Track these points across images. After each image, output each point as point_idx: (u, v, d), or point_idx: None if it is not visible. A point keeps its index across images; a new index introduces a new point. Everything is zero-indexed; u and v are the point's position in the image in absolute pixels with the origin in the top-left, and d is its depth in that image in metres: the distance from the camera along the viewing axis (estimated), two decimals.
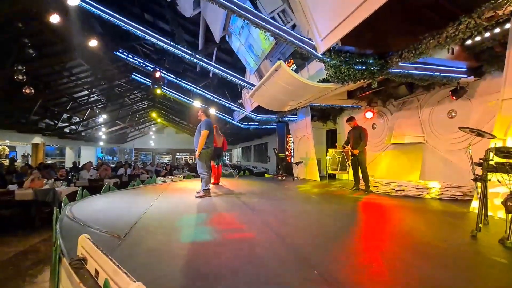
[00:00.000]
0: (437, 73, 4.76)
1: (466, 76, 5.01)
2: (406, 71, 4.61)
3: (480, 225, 2.76)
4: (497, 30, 3.91)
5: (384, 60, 4.35)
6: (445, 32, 3.37)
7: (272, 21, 4.06)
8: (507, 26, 3.77)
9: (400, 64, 4.34)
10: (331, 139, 9.95)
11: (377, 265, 2.05)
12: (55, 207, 3.50)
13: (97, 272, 1.77)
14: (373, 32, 4.13)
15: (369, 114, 7.56)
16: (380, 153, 7.45)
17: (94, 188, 6.40)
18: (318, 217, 3.70)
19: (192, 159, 28.82)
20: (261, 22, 3.97)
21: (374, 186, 5.82)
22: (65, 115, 14.39)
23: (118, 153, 27.55)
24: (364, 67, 4.32)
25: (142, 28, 5.84)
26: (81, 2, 5.43)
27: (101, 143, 22.28)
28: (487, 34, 4.05)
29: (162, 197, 5.07)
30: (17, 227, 5.52)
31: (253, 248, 2.35)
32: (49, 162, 17.69)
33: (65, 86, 12.09)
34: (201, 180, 5.20)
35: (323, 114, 9.64)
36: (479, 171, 3.05)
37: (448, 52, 4.72)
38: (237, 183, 7.43)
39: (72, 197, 4.94)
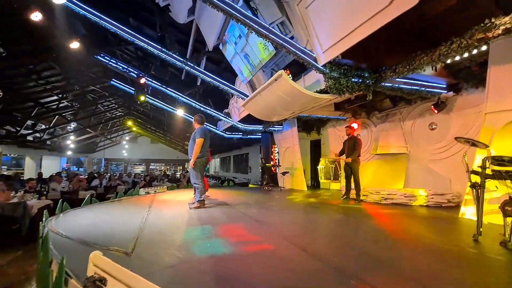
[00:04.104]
0: (422, 88, 5.11)
1: (446, 91, 5.44)
2: (397, 85, 4.90)
3: (481, 229, 2.93)
4: (475, 51, 4.34)
5: (379, 74, 4.58)
6: (439, 50, 3.66)
7: (275, 31, 4.11)
8: (484, 48, 4.19)
9: (392, 78, 4.61)
10: (315, 150, 10.17)
11: (407, 271, 2.07)
12: (40, 222, 3.10)
13: None
14: (366, 48, 4.36)
15: (354, 125, 7.86)
16: (365, 163, 7.73)
17: (68, 201, 5.83)
18: (327, 227, 3.70)
19: (168, 170, 27.76)
20: (265, 31, 4.00)
21: (364, 195, 5.99)
22: (29, 122, 13.18)
23: (86, 164, 25.66)
24: (360, 80, 4.51)
25: (133, 32, 5.60)
26: (67, 2, 5.09)
27: (69, 153, 20.65)
28: (466, 55, 4.47)
29: (153, 209, 4.75)
30: None
31: (279, 260, 2.26)
32: (4, 173, 15.93)
33: (32, 90, 11.13)
34: (195, 191, 4.98)
35: (307, 125, 9.85)
36: (474, 178, 3.26)
37: (432, 69, 5.17)
38: (226, 194, 7.24)
39: (47, 211, 4.43)
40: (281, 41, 4.08)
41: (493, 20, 3.05)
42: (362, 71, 4.58)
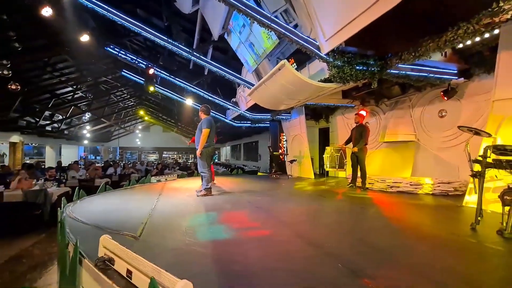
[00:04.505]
0: (431, 75, 4.98)
1: (456, 77, 5.27)
2: (404, 72, 4.79)
3: (479, 218, 2.95)
4: (486, 35, 4.17)
5: (384, 61, 4.50)
6: (445, 36, 3.55)
7: (277, 20, 4.10)
8: (496, 31, 4.02)
9: (398, 65, 4.52)
10: (324, 138, 10.15)
11: (400, 258, 2.15)
12: (58, 209, 3.37)
13: (129, 271, 1.75)
14: (373, 35, 4.27)
15: (362, 113, 7.76)
16: (373, 151, 7.69)
17: (85, 188, 6.19)
18: (326, 214, 3.80)
19: (180, 158, 28.41)
20: (267, 21, 3.99)
21: (369, 183, 6.01)
22: (47, 113, 13.75)
23: (102, 152, 26.62)
24: (365, 68, 4.45)
25: (139, 24, 5.69)
26: None
27: (85, 142, 21.47)
28: (477, 39, 4.30)
29: (163, 197, 5.00)
30: (5, 231, 5.23)
31: (276, 245, 2.39)
32: (27, 161, 16.83)
33: (48, 82, 11.54)
34: (202, 179, 5.17)
35: (315, 113, 9.80)
36: (475, 167, 3.25)
37: (442, 55, 5.01)
38: (234, 182, 7.44)
39: (66, 198, 4.75)
40: (283, 30, 4.07)
41: (501, 4, 2.92)
42: (367, 59, 4.51)
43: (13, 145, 15.56)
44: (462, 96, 5.56)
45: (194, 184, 6.71)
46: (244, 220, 3.32)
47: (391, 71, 4.65)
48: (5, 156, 17.08)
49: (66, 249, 2.51)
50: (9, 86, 6.83)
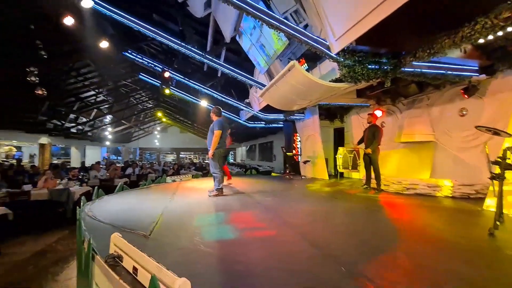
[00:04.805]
0: (449, 72, 4.77)
1: (477, 74, 5.01)
2: (419, 70, 4.63)
3: (497, 222, 2.80)
4: (510, 29, 3.93)
5: (398, 60, 4.37)
6: (461, 31, 3.40)
7: (286, 21, 4.09)
8: None
9: (413, 63, 4.37)
10: (338, 138, 9.97)
11: (403, 261, 2.10)
12: (77, 207, 3.56)
13: (135, 268, 1.83)
14: (386, 32, 4.16)
15: (378, 113, 7.53)
16: (389, 151, 7.46)
17: (105, 188, 6.49)
18: (335, 216, 3.75)
19: (197, 158, 28.96)
20: (275, 22, 4.00)
21: (385, 185, 5.85)
22: (72, 116, 14.52)
23: (123, 153, 27.67)
24: (377, 67, 4.34)
25: (153, 29, 5.89)
26: (95, 5, 5.49)
27: (107, 143, 22.42)
28: (500, 33, 4.06)
29: (176, 196, 5.14)
30: (32, 227, 5.61)
31: (279, 246, 2.41)
32: (55, 162, 17.85)
33: (73, 86, 12.20)
34: (214, 180, 5.26)
35: (330, 112, 9.64)
36: (495, 169, 3.08)
37: (461, 51, 4.78)
38: (247, 182, 7.49)
39: (86, 197, 5.01)
40: (292, 31, 4.06)
41: None
42: (379, 57, 4.40)
43: (42, 146, 16.55)
44: (485, 93, 5.27)
45: (208, 184, 6.81)
46: (250, 221, 3.35)
47: (405, 69, 4.51)
48: (35, 156, 18.23)
49: (82, 245, 2.66)
50: (36, 92, 7.30)
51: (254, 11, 3.91)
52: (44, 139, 15.97)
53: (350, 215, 3.82)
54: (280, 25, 4.01)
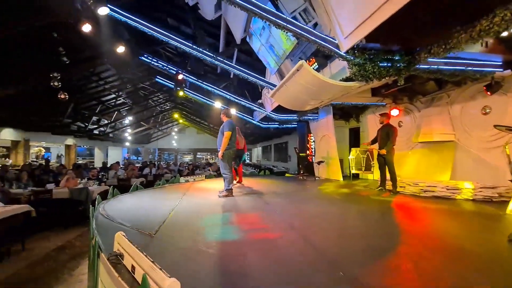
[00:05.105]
0: (469, 68, 4.50)
1: (501, 70, 4.69)
2: (435, 66, 4.41)
3: None
4: None
5: (412, 56, 4.18)
6: (479, 25, 3.20)
7: (293, 21, 4.05)
8: None
9: (428, 60, 4.16)
10: (354, 138, 9.72)
11: (406, 268, 2.00)
12: (90, 205, 3.72)
13: (133, 267, 1.88)
14: (398, 28, 4.00)
15: (395, 112, 7.29)
16: (407, 151, 7.17)
17: (122, 187, 6.74)
18: (343, 218, 3.65)
19: (213, 159, 29.37)
20: (282, 22, 3.97)
21: (401, 187, 5.63)
22: (94, 118, 15.22)
23: (143, 153, 28.63)
24: (389, 64, 4.18)
25: (165, 32, 6.05)
26: (111, 12, 5.72)
27: (127, 144, 23.28)
28: None
29: (187, 197, 5.23)
30: (54, 224, 5.93)
31: (278, 248, 2.38)
32: (80, 162, 18.81)
33: (94, 90, 12.80)
34: (224, 180, 5.30)
35: (345, 112, 9.42)
36: None
37: (482, 46, 4.49)
38: (259, 183, 7.48)
39: (103, 196, 5.23)
40: (299, 31, 4.00)
41: None
42: (392, 54, 4.23)
43: (68, 147, 17.53)
44: (509, 90, 4.93)
45: (220, 184, 6.89)
46: (255, 222, 3.34)
47: (420, 66, 4.31)
48: (62, 157, 19.32)
49: (92, 242, 2.77)
50: (58, 96, 7.72)
51: (260, 12, 3.90)
52: (69, 140, 16.91)
53: (359, 218, 3.71)
54: (287, 25, 3.97)
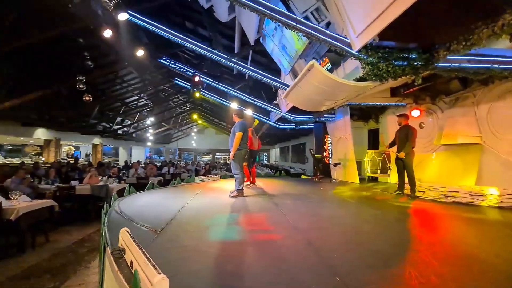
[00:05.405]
0: (495, 65, 4.19)
1: None
2: (457, 64, 4.16)
3: None
4: None
5: (430, 54, 3.97)
6: (501, 19, 2.97)
7: (304, 20, 3.99)
8: None
9: (448, 57, 3.93)
10: (373, 140, 9.38)
11: (407, 278, 1.89)
12: (105, 202, 3.91)
13: (131, 262, 1.95)
14: (416, 23, 3.81)
15: (415, 113, 6.96)
16: (429, 154, 6.81)
17: (140, 185, 7.01)
18: (352, 223, 3.54)
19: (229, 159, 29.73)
20: (292, 22, 3.93)
21: (420, 191, 5.36)
22: (118, 119, 15.96)
23: (164, 153, 29.57)
24: (406, 63, 4.00)
25: (181, 36, 6.22)
26: (130, 17, 5.97)
27: (149, 144, 24.16)
28: None
29: (199, 196, 5.33)
30: (76, 218, 6.29)
31: (278, 250, 2.35)
32: (106, 160, 19.81)
33: (118, 92, 13.43)
34: (235, 180, 5.33)
35: (363, 113, 9.13)
36: None
37: (510, 41, 4.17)
38: (273, 184, 7.45)
39: (121, 193, 5.46)
40: (310, 30, 3.94)
41: None
42: (408, 52, 4.04)
43: (95, 146, 18.50)
44: None
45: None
46: (261, 223, 3.33)
47: (440, 64, 4.08)
48: (90, 155, 20.44)
49: (101, 237, 2.91)
50: (83, 98, 8.20)
51: (269, 12, 3.89)
52: (96, 140, 17.84)
53: (370, 223, 3.57)
54: (297, 25, 3.93)
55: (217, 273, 1.92)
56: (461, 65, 4.17)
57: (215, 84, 8.95)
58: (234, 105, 10.61)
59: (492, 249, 2.55)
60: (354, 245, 2.53)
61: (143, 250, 1.88)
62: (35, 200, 5.00)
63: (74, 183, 6.72)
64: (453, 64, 4.14)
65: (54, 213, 5.15)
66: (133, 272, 1.88)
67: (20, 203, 4.52)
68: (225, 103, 10.62)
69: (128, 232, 2.32)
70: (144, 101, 15.84)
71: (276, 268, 1.98)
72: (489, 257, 2.30)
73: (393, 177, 6.14)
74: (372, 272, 1.95)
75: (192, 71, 8.51)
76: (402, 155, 5.30)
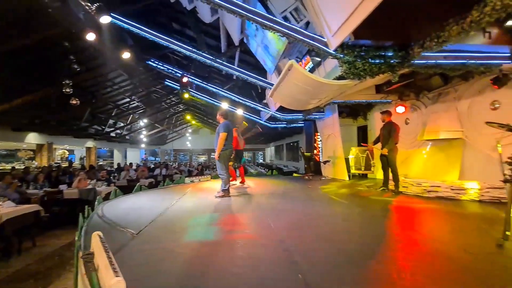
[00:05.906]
0: (471, 61, 4.25)
1: (509, 61, 4.39)
2: (433, 61, 4.22)
3: (508, 232, 2.44)
4: None
5: (405, 52, 4.02)
6: (470, 16, 3.02)
7: (280, 20, 4.03)
8: None
9: (424, 54, 3.98)
10: (362, 136, 9.46)
11: (374, 276, 1.94)
12: (86, 206, 3.92)
13: (97, 265, 1.98)
14: (390, 20, 3.86)
15: (400, 109, 7.03)
16: (413, 150, 6.89)
17: (131, 188, 7.00)
18: (330, 221, 3.57)
19: None
20: (268, 23, 3.96)
21: (403, 187, 5.43)
22: (111, 121, 15.90)
23: (159, 154, 29.51)
24: (382, 61, 4.05)
25: (165, 37, 6.22)
26: (113, 19, 5.96)
27: (143, 145, 24.08)
28: None
29: (185, 197, 5.36)
30: (65, 223, 6.29)
31: (251, 250, 2.39)
32: (100, 163, 19.74)
33: (109, 94, 13.36)
34: (221, 181, 5.36)
35: (352, 110, 9.20)
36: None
37: (484, 37, 4.23)
38: (262, 183, 7.49)
39: (108, 196, 5.47)
40: (286, 30, 3.98)
41: None
42: (385, 50, 4.09)
43: (88, 149, 18.43)
44: None
45: None
46: (238, 223, 3.37)
47: (416, 61, 4.13)
48: (84, 158, 20.37)
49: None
50: (70, 101, 8.17)
51: (246, 13, 3.91)
52: (89, 143, 17.76)
53: (350, 220, 3.63)
54: (274, 25, 3.96)
55: (188, 274, 1.96)
56: (437, 61, 4.23)
57: (204, 85, 8.96)
58: (224, 105, 10.62)
59: (463, 243, 2.60)
60: (324, 244, 2.57)
61: (109, 253, 1.91)
62: (19, 206, 5.00)
63: (62, 187, 6.72)
64: (429, 61, 4.19)
65: (40, 218, 5.14)
66: (98, 275, 1.93)
67: (4, 209, 4.52)
68: (215, 103, 10.63)
69: (100, 236, 2.34)
70: (136, 103, 15.79)
71: (245, 267, 2.02)
72: (459, 252, 2.35)
73: (380, 174, 6.21)
74: (334, 270, 1.99)
75: (181, 72, 8.51)
76: (385, 151, 5.36)
